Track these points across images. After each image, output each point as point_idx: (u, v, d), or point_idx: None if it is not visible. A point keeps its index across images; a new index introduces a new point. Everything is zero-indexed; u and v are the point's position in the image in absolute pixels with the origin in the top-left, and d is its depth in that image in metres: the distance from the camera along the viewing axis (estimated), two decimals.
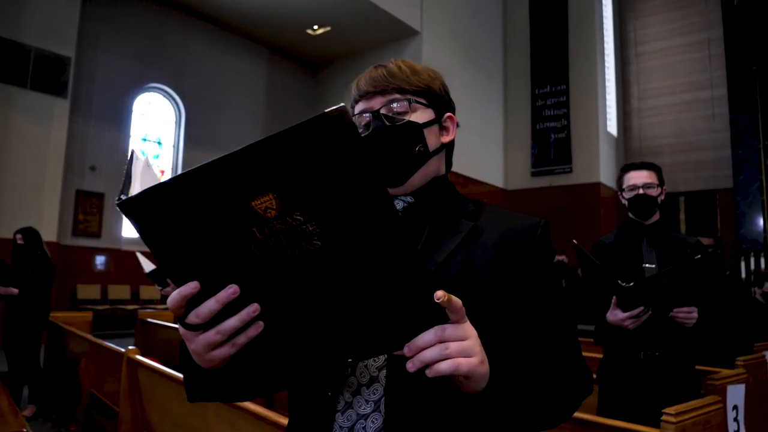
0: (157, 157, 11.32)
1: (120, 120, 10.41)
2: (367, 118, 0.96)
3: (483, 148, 14.04)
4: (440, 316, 0.67)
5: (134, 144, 10.89)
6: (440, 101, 1.02)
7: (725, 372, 2.54)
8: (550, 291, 0.90)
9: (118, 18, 10.38)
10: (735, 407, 2.44)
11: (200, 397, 0.83)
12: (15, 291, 4.56)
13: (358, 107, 0.99)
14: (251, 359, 0.72)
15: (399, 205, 0.97)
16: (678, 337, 2.14)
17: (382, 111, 0.96)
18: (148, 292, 10.54)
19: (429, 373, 0.65)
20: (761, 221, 12.47)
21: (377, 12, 11.21)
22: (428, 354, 0.65)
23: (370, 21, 11.62)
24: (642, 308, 1.95)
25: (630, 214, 2.34)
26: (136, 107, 10.87)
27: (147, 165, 0.72)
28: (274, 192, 0.58)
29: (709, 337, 3.79)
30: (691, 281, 1.93)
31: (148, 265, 3.59)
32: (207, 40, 11.88)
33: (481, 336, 0.73)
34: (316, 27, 11.99)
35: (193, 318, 0.65)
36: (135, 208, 0.60)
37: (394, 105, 0.96)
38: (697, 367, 2.85)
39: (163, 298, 8.02)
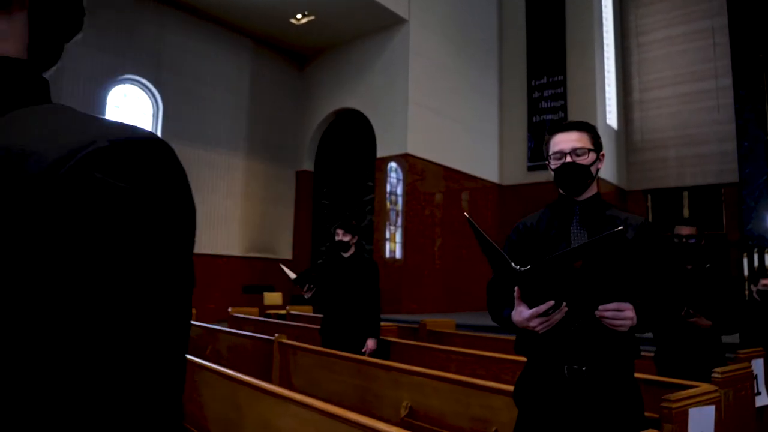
0: None
1: (92, 112, 9.94)
2: None
3: (477, 142, 13.54)
4: None
5: None
6: None
7: (690, 390, 2.04)
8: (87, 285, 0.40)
9: (90, 7, 9.91)
10: None
11: None
12: None
13: None
14: None
15: None
16: (611, 346, 1.65)
17: None
18: None
19: None
20: None
21: None
22: None
23: (355, 8, 11.16)
24: (551, 303, 1.46)
25: (559, 190, 1.85)
26: (110, 100, 10.46)
27: None
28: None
29: (675, 345, 3.29)
30: (617, 266, 1.44)
31: (291, 274, 4.09)
32: (186, 31, 11.46)
33: None
34: (299, 16, 11.53)
35: None
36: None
37: None
38: (659, 379, 2.35)
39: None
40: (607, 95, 13.94)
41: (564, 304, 1.49)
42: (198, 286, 11.37)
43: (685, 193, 13.95)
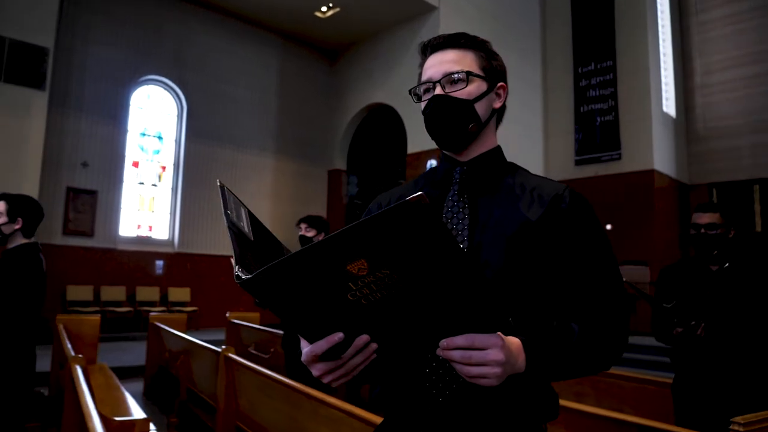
0: (157, 152, 10.77)
1: (115, 114, 9.91)
2: None
3: (519, 135, 12.66)
4: None
5: (132, 139, 10.37)
6: None
7: None
8: None
9: (111, 8, 9.90)
10: None
11: None
12: None
13: None
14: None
15: None
16: (493, 404, 1.00)
17: None
18: (146, 293, 9.99)
19: None
20: None
21: None
22: None
23: None
24: (336, 338, 0.82)
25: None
26: (133, 101, 10.36)
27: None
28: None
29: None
30: (457, 269, 0.75)
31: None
32: (210, 29, 11.25)
33: None
34: (324, 9, 11.09)
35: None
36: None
37: None
38: (657, 426, 1.71)
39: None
40: (663, 80, 12.74)
41: (367, 339, 0.85)
42: (227, 290, 11.07)
43: (756, 186, 12.52)
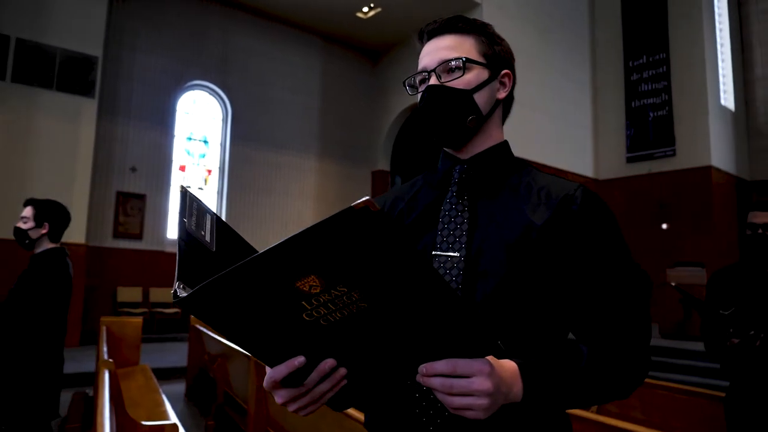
0: (203, 156, 10.98)
1: (162, 119, 10.15)
2: None
3: (567, 133, 12.30)
4: None
5: (179, 143, 10.60)
6: None
7: None
8: None
9: (156, 16, 10.14)
10: None
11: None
12: None
13: None
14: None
15: None
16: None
17: None
18: None
19: None
20: None
21: None
22: None
23: None
24: (297, 362, 0.72)
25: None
26: (179, 106, 10.59)
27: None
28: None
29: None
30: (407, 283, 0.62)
31: None
32: (251, 33, 11.39)
33: None
34: (366, 9, 11.06)
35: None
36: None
37: None
38: None
39: None
40: (721, 72, 12.11)
41: (333, 363, 0.75)
42: None
43: None
